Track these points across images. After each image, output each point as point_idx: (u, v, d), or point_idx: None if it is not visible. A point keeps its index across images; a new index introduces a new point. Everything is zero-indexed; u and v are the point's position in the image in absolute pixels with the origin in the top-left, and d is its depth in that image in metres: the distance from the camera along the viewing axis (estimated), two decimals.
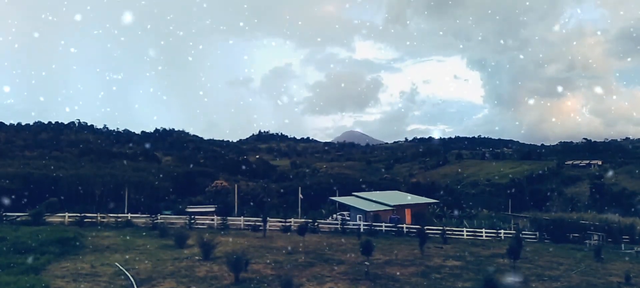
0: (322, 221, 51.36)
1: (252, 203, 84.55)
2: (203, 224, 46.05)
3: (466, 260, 32.70)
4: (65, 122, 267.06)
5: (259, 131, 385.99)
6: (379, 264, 29.71)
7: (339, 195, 70.44)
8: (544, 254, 37.72)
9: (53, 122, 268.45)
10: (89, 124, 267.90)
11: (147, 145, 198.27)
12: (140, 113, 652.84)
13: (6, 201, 49.33)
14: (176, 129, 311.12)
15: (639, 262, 36.77)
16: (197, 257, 28.91)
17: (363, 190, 77.80)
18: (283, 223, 45.86)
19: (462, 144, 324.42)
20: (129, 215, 48.13)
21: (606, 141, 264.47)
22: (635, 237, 50.12)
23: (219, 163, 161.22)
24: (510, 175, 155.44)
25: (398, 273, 27.40)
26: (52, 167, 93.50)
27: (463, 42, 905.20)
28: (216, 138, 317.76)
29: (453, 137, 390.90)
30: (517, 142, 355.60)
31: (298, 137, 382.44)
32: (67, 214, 44.51)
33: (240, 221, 47.51)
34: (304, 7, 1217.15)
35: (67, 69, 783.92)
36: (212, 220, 47.38)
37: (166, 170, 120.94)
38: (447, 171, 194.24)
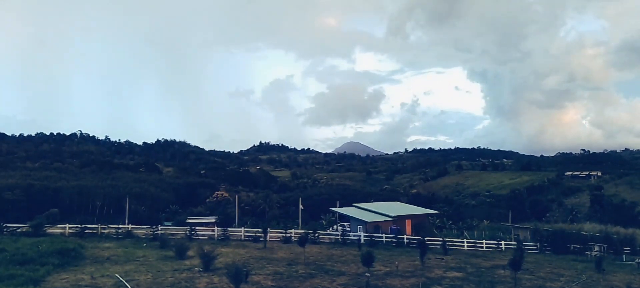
0: (323, 232, 51.33)
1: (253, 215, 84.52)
2: (204, 235, 46.00)
3: (467, 272, 32.62)
4: (67, 133, 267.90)
5: (260, 142, 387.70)
6: (380, 275, 29.66)
7: (340, 206, 70.37)
8: (544, 265, 37.63)
9: (55, 133, 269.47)
10: (90, 135, 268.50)
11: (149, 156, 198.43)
12: (142, 124, 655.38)
13: (7, 212, 49.38)
14: (177, 140, 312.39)
15: None
16: (197, 269, 28.87)
17: (363, 201, 77.77)
18: (283, 234, 45.81)
19: (462, 155, 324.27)
20: (130, 226, 48.12)
21: (606, 152, 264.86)
22: (636, 248, 50.03)
23: (219, 174, 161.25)
24: (510, 186, 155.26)
25: (399, 285, 27.36)
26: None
27: (464, 53, 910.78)
28: (217, 149, 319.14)
29: (453, 148, 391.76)
30: (517, 153, 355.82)
31: (299, 148, 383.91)
32: (67, 225, 44.49)
33: (241, 232, 47.45)
34: (305, 19, 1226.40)
35: (69, 81, 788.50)
36: (213, 231, 47.31)
37: (167, 181, 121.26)
38: (447, 182, 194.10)
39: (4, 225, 42.13)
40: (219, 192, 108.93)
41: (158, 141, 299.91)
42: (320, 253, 38.04)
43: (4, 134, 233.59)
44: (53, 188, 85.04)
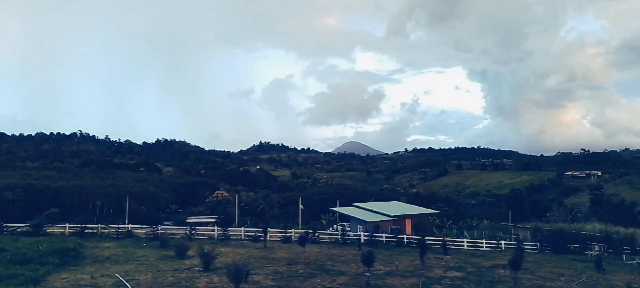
0: (323, 232, 51.33)
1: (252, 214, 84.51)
2: (204, 235, 46.01)
3: (467, 271, 32.64)
4: (67, 133, 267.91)
5: (260, 142, 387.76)
6: (380, 275, 29.67)
7: (340, 206, 70.40)
8: (544, 265, 37.65)
9: (55, 133, 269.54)
10: (90, 135, 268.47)
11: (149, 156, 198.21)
12: (142, 124, 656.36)
13: (7, 212, 49.27)
14: (177, 140, 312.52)
15: None
16: (197, 268, 28.88)
17: (363, 200, 77.80)
18: (283, 234, 45.82)
19: (462, 155, 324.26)
20: (130, 225, 48.10)
21: (606, 152, 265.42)
22: (636, 247, 50.11)
23: (219, 174, 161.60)
24: (510, 186, 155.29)
25: (399, 284, 27.37)
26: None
27: (464, 53, 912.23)
28: (217, 149, 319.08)
29: (453, 147, 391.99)
30: (517, 152, 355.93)
31: (299, 148, 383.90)
32: (67, 225, 44.47)
33: (241, 232, 47.46)
34: (305, 19, 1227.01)
35: (69, 81, 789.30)
36: (213, 230, 47.33)
37: (167, 180, 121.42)
38: (447, 182, 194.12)
39: (4, 224, 42.10)
40: (219, 192, 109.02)
41: (158, 141, 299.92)
42: (320, 253, 38.05)
43: (4, 133, 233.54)
44: (53, 188, 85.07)
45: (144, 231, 44.66)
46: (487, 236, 59.96)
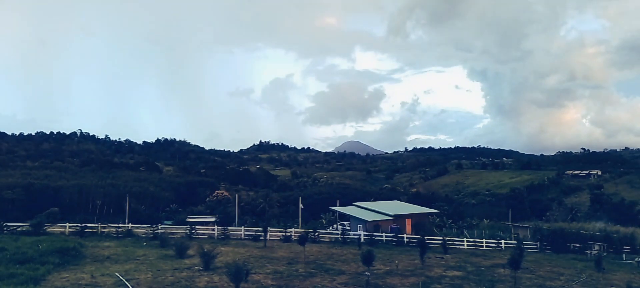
0: (323, 231, 51.33)
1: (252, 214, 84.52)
2: (204, 234, 46.01)
3: (467, 271, 32.65)
4: (67, 132, 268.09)
5: (260, 141, 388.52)
6: (380, 274, 29.68)
7: (340, 205, 70.43)
8: (544, 264, 37.66)
9: (55, 133, 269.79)
10: (90, 134, 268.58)
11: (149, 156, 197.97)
12: (142, 123, 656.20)
13: (7, 211, 49.24)
14: (177, 139, 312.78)
15: None
16: (197, 267, 28.89)
17: (363, 199, 77.84)
18: (283, 233, 45.83)
19: (462, 154, 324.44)
20: (130, 225, 48.06)
21: (606, 151, 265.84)
22: (636, 246, 50.11)
23: (219, 173, 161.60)
24: (510, 185, 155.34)
25: (399, 284, 27.38)
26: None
27: (464, 53, 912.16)
28: (217, 148, 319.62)
29: (453, 147, 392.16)
30: (517, 152, 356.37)
31: (299, 147, 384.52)
32: (67, 224, 44.40)
33: (241, 231, 47.45)
34: (306, 18, 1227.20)
35: (69, 80, 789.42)
36: (213, 230, 47.34)
37: (167, 180, 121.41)
38: (447, 181, 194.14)
39: (4, 224, 42.01)
40: (219, 191, 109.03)
41: (158, 140, 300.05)
42: (320, 252, 38.06)
43: (4, 133, 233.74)
44: (53, 187, 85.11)
45: (144, 230, 44.61)
46: (487, 235, 60.00)
